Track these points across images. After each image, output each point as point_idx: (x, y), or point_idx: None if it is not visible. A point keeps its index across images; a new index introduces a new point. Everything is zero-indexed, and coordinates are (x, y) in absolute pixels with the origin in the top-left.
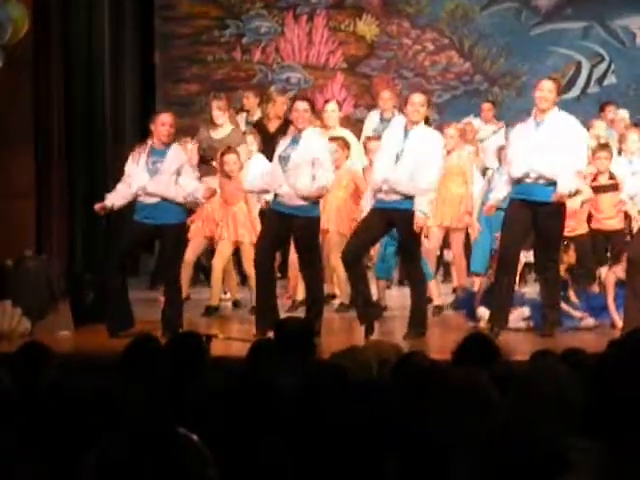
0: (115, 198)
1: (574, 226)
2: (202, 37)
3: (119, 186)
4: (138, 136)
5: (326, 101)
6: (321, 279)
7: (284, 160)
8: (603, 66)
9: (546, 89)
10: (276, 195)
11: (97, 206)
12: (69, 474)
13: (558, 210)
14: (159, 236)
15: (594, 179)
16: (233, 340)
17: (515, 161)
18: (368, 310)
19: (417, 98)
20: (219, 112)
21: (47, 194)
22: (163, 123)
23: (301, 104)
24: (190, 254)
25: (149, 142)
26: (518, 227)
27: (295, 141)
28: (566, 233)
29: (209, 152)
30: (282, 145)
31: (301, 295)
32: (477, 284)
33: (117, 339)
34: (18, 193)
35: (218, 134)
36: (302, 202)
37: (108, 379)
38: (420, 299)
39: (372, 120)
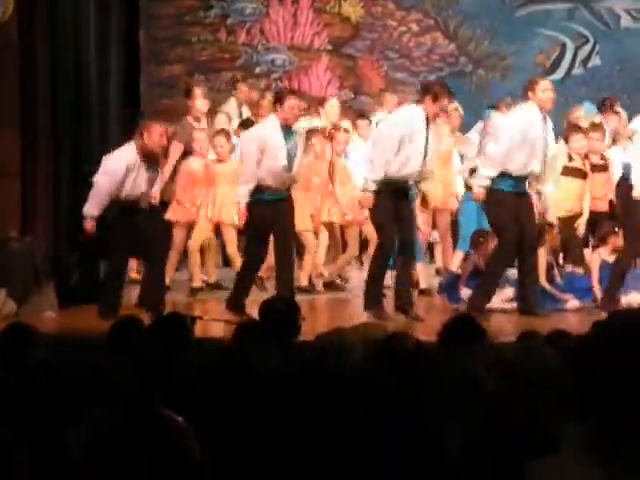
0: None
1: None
2: (186, 18)
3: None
4: (124, 118)
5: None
6: (293, 261)
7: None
8: (587, 48)
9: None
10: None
11: (88, 226)
12: (58, 450)
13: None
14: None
15: (586, 157)
16: (217, 322)
17: (527, 157)
18: (377, 302)
19: None
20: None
21: (32, 175)
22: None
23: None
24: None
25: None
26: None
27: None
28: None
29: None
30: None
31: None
32: (457, 264)
33: (103, 320)
34: (3, 173)
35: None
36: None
37: (93, 359)
38: (408, 274)
39: None
